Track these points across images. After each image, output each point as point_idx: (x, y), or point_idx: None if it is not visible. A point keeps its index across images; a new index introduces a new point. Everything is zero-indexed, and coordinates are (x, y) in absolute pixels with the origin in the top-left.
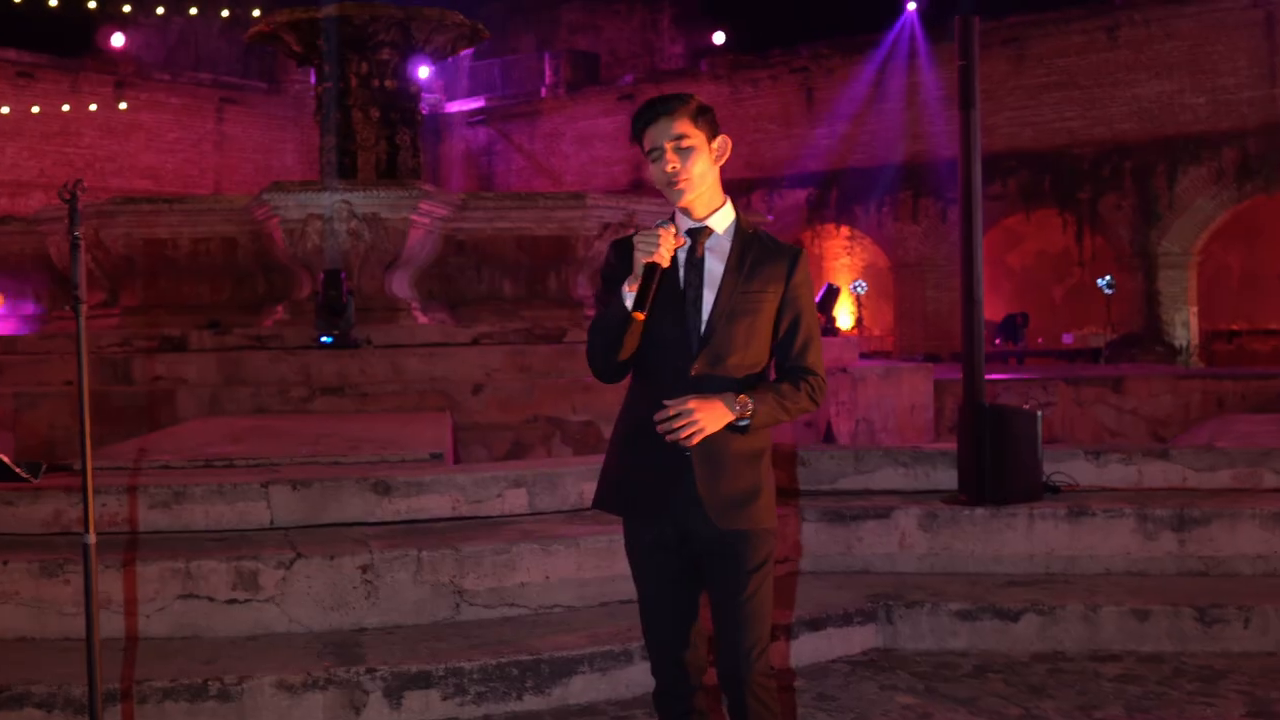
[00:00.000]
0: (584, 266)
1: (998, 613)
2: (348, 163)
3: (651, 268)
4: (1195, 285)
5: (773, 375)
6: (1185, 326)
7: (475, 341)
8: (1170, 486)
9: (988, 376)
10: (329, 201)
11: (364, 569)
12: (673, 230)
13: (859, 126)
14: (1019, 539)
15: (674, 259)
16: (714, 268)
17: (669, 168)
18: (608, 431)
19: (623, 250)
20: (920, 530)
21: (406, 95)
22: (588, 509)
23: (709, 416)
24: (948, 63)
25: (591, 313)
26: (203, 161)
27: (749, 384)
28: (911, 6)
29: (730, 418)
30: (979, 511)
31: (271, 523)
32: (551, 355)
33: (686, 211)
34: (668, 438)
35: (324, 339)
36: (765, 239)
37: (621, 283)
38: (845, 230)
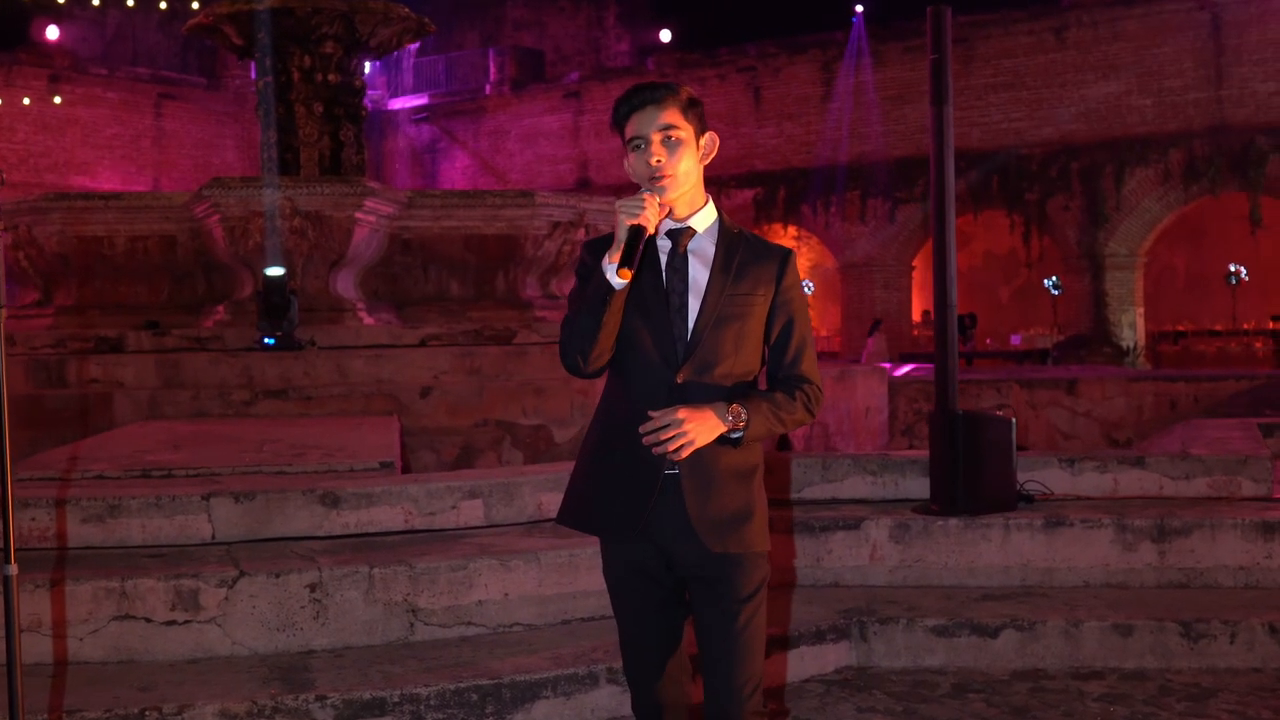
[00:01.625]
0: (533, 266)
1: (975, 628)
2: (290, 159)
3: (637, 230)
4: (1142, 286)
5: (763, 384)
6: (1132, 328)
7: (423, 343)
8: (1146, 495)
9: None
10: (271, 198)
11: (312, 587)
12: (658, 198)
13: (806, 126)
14: (994, 550)
15: (655, 260)
16: (698, 270)
17: (654, 160)
18: (560, 435)
19: (598, 248)
20: (892, 541)
21: (350, 90)
22: (546, 521)
23: (699, 428)
24: (894, 63)
25: (542, 314)
26: (141, 158)
27: (739, 394)
28: (859, 8)
29: (722, 429)
30: (952, 522)
31: (213, 537)
32: (501, 357)
33: (668, 213)
34: (654, 450)
35: (266, 340)
36: (752, 239)
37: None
38: (793, 230)
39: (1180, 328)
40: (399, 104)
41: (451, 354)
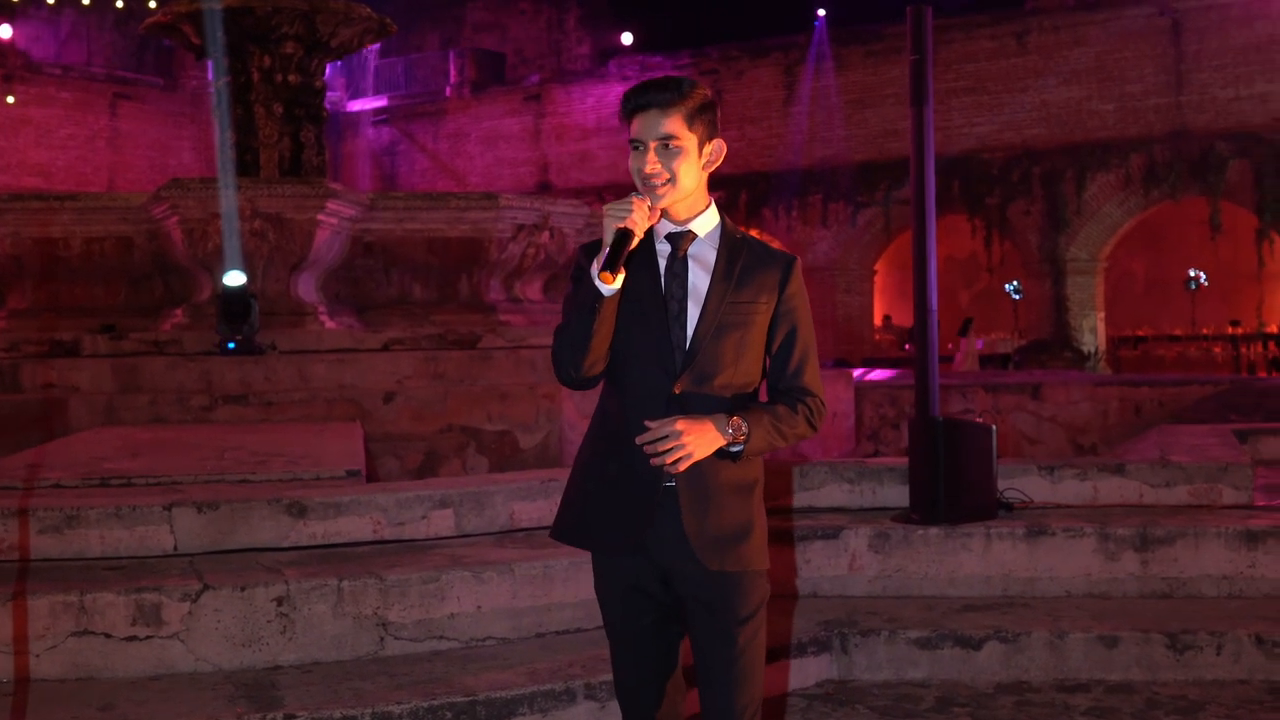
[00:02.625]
0: (497, 269)
1: (959, 640)
2: (249, 160)
3: (624, 233)
4: (1102, 291)
5: (762, 396)
6: (1093, 332)
7: (386, 347)
8: (1127, 503)
9: (906, 382)
10: (231, 200)
11: (279, 600)
12: (647, 201)
13: (768, 129)
14: (975, 560)
15: (654, 264)
16: (698, 276)
17: (649, 169)
18: (525, 441)
19: (592, 250)
20: (871, 551)
21: (311, 91)
22: (519, 531)
23: (698, 440)
24: (856, 66)
25: (506, 317)
26: (96, 159)
27: (739, 405)
28: (821, 11)
29: (721, 442)
30: (933, 531)
31: (175, 549)
32: (465, 362)
33: (666, 214)
34: (652, 461)
35: (227, 344)
36: (754, 244)
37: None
38: (754, 234)
39: (1140, 333)
40: (358, 106)
41: (415, 358)
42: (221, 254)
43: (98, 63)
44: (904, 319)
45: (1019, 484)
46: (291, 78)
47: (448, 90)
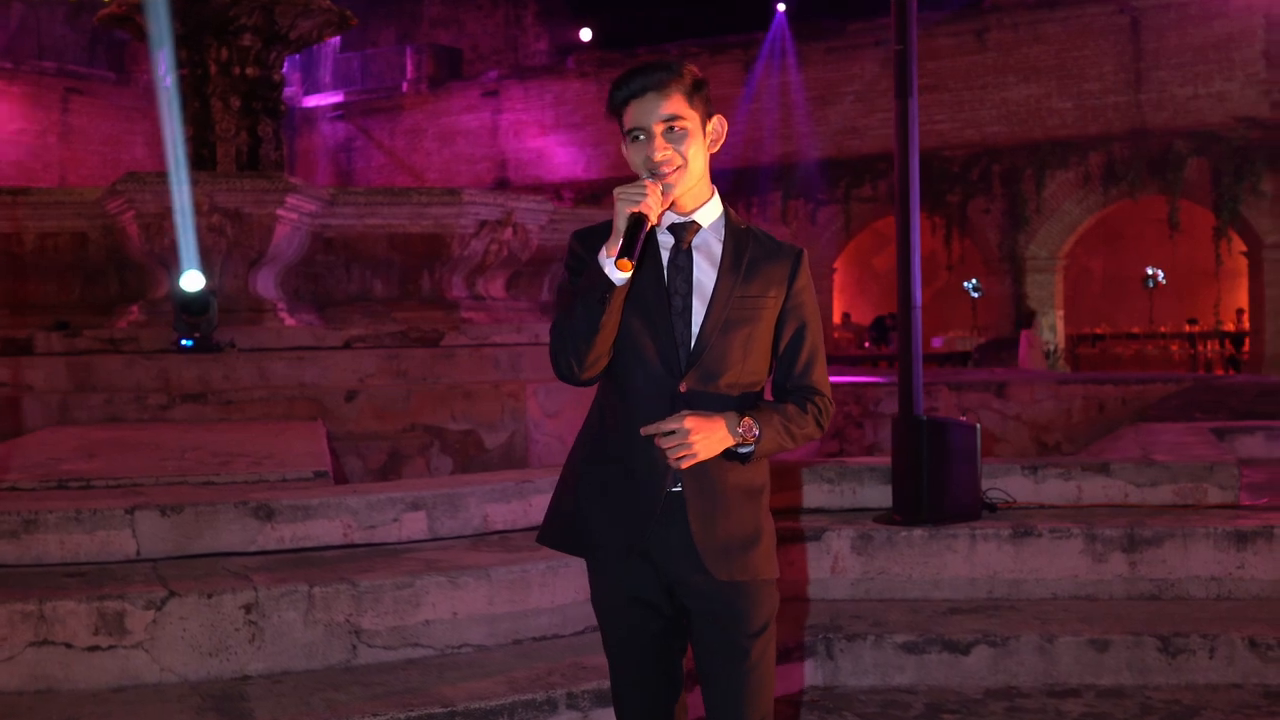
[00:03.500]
0: (460, 266)
1: (946, 645)
2: (205, 154)
3: (638, 218)
4: (1062, 289)
5: (767, 394)
6: (1053, 330)
7: (348, 345)
8: (1112, 503)
9: (867, 380)
10: (188, 194)
11: (247, 608)
12: (660, 185)
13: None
14: (960, 561)
15: (656, 256)
16: (704, 269)
17: (659, 156)
18: (490, 441)
19: (589, 238)
20: (854, 553)
21: (269, 84)
22: (493, 534)
23: (707, 440)
24: (816, 63)
25: (469, 315)
26: (46, 155)
27: (747, 404)
28: (781, 7)
29: (730, 443)
30: (917, 532)
31: (138, 554)
32: (429, 359)
33: (670, 205)
34: (659, 455)
35: (184, 342)
36: (761, 235)
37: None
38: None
39: (1098, 331)
40: (314, 101)
41: (377, 356)
42: (178, 250)
43: (49, 57)
44: (863, 317)
45: (1001, 483)
46: (249, 70)
47: (404, 86)
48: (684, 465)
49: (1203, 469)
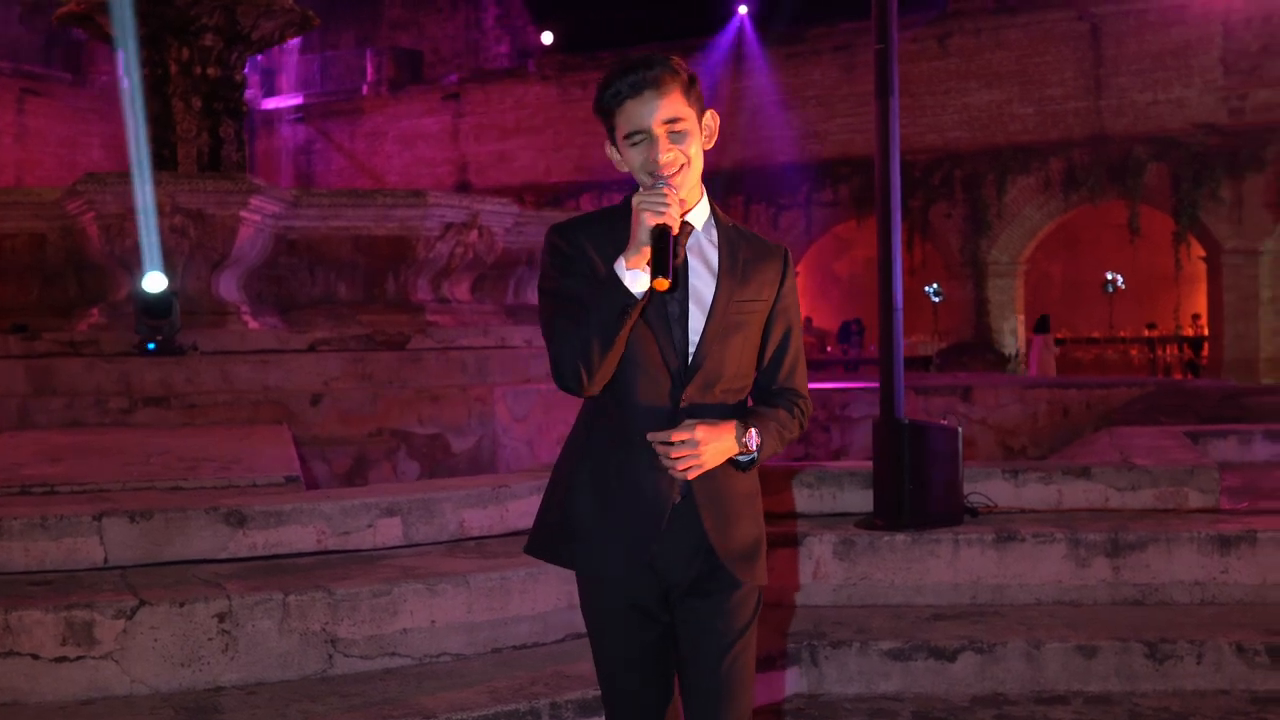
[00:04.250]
0: (425, 269)
1: (932, 651)
2: (166, 155)
3: (663, 230)
4: (1023, 294)
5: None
6: (1014, 334)
7: (312, 348)
8: (1093, 507)
9: (835, 385)
10: (151, 194)
11: (220, 616)
12: (675, 190)
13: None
14: (944, 567)
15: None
16: (700, 274)
17: (665, 158)
18: (457, 445)
19: (570, 234)
20: (836, 559)
21: (231, 85)
22: (469, 540)
23: (714, 450)
24: (780, 66)
25: (434, 318)
26: (2, 156)
27: (741, 410)
28: (743, 10)
29: (734, 451)
30: (899, 537)
31: (106, 561)
32: (394, 363)
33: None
34: (665, 463)
35: (146, 345)
36: (748, 234)
37: (580, 272)
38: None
39: (1058, 335)
40: (273, 104)
41: (342, 360)
42: (140, 251)
43: (4, 57)
44: (824, 322)
45: (982, 488)
46: (211, 71)
47: (365, 89)
48: (690, 475)
49: (1184, 473)
